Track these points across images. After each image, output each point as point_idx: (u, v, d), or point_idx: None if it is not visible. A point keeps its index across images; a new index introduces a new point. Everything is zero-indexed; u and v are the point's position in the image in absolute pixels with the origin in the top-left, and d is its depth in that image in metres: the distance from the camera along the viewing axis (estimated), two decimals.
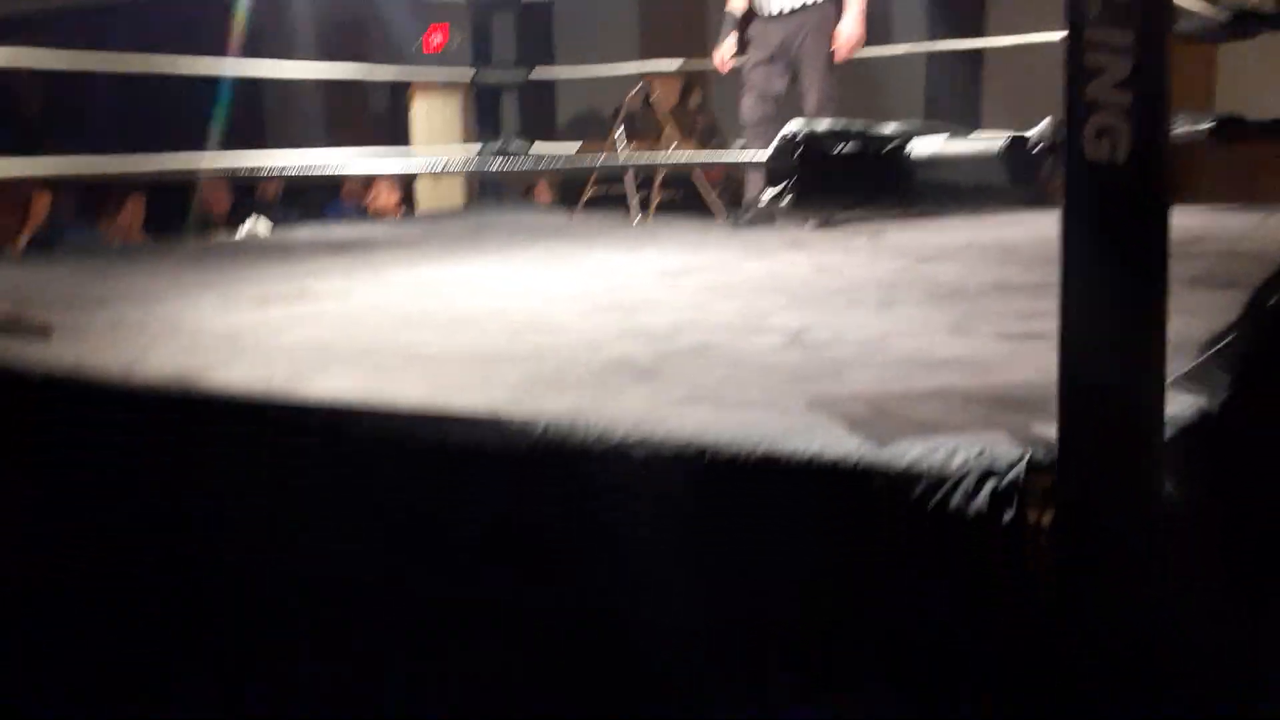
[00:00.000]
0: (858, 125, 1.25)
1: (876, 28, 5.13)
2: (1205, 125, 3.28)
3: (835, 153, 1.27)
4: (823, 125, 1.30)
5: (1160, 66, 0.94)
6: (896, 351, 1.73)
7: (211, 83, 4.62)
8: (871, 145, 1.23)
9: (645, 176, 4.78)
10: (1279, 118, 4.16)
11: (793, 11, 4.11)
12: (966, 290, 2.38)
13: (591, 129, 6.63)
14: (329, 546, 1.45)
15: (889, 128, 1.26)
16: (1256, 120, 4.01)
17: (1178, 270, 2.49)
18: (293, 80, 4.70)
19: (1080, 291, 0.99)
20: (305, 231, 4.77)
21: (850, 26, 4.07)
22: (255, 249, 4.02)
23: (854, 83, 4.68)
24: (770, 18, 4.15)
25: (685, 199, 4.97)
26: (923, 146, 1.18)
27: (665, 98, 5.04)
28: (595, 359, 1.77)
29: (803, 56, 4.13)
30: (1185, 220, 3.29)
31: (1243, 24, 3.30)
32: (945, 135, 1.17)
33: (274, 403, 1.54)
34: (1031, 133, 1.09)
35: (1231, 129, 3.40)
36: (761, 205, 3.91)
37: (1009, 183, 1.14)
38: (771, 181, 1.37)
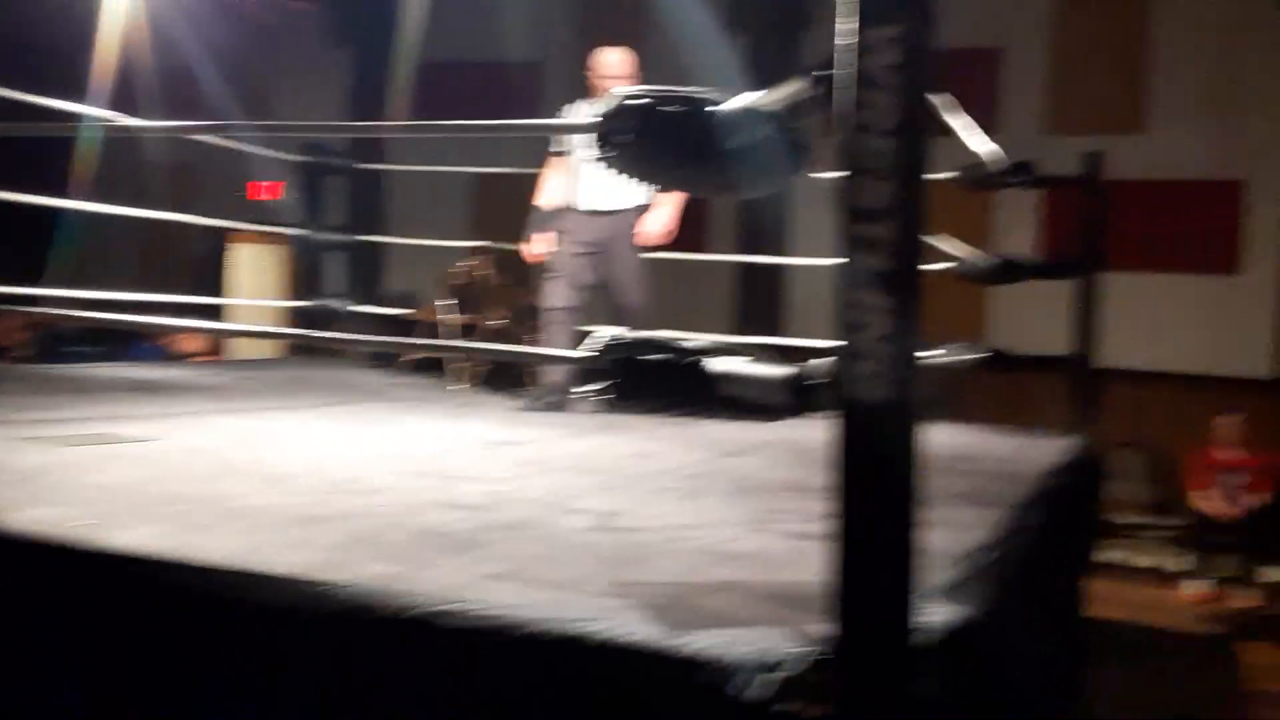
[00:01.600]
0: (662, 338, 1.40)
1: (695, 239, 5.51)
2: (976, 355, 3.67)
3: (643, 360, 1.41)
4: (630, 335, 1.45)
5: (911, 324, 1.13)
6: (697, 542, 1.85)
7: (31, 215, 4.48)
8: (674, 357, 1.38)
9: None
10: (1040, 351, 4.69)
11: (610, 212, 4.26)
12: (764, 487, 2.55)
13: (418, 296, 6.73)
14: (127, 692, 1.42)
15: (692, 343, 1.41)
16: (1022, 353, 4.52)
17: (949, 486, 2.72)
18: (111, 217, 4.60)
19: (848, 509, 1.14)
20: (106, 370, 4.62)
21: (657, 219, 4.26)
22: (54, 384, 3.87)
23: (674, 287, 4.95)
24: (586, 213, 4.28)
25: (497, 370, 5.04)
26: (717, 364, 1.34)
27: (492, 275, 5.22)
28: (412, 525, 1.81)
29: (615, 258, 4.27)
30: (959, 439, 3.61)
31: (1009, 271, 3.76)
32: (744, 359, 1.33)
33: (74, 549, 1.52)
34: (813, 368, 1.26)
35: (999, 359, 3.82)
36: (577, 401, 3.98)
37: (792, 406, 1.30)
38: (586, 380, 1.50)
